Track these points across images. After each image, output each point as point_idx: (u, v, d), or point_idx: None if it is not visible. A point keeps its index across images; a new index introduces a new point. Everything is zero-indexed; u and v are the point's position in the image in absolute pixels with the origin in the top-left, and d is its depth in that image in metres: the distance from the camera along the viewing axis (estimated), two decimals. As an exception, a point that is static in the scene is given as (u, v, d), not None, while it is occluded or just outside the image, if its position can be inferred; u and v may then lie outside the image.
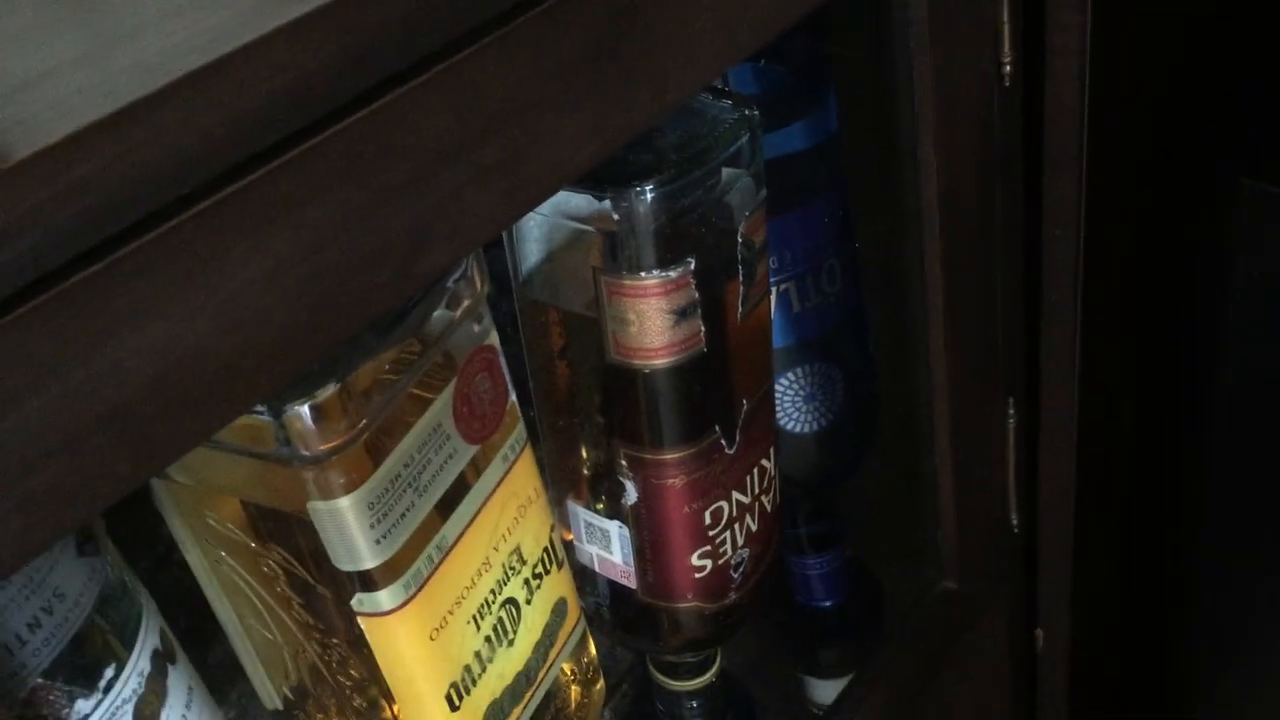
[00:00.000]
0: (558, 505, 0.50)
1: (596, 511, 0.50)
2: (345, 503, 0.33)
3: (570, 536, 0.51)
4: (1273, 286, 0.59)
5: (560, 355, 0.48)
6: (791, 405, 0.56)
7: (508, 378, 0.39)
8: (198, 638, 0.40)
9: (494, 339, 0.38)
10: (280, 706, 0.43)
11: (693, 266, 0.42)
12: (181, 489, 0.37)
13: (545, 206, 0.43)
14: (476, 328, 0.38)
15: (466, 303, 0.37)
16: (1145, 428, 0.71)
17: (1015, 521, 0.67)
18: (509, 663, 0.41)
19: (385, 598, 0.35)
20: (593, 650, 0.48)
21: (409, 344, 0.36)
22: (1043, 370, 0.61)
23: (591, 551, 0.51)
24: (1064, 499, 0.66)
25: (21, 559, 0.25)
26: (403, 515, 0.35)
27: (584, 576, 0.52)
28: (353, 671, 0.39)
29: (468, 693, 0.39)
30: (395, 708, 0.40)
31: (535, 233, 0.44)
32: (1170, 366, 0.69)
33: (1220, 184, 0.58)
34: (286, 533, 0.36)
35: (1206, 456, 0.71)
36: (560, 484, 0.50)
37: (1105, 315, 0.61)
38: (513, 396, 0.40)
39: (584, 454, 0.50)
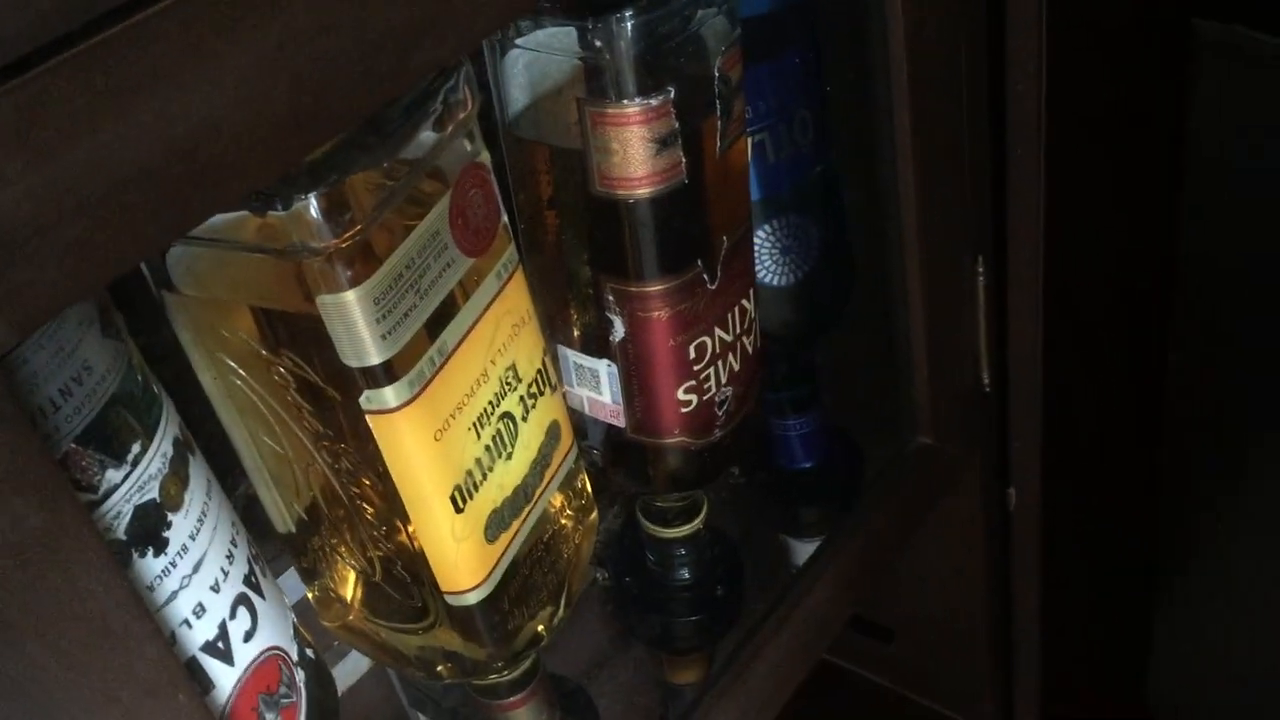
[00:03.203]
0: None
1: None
2: (351, 296, 0.35)
3: (563, 389, 0.54)
4: (1228, 132, 0.61)
5: (549, 205, 0.50)
6: (769, 257, 0.58)
7: (499, 198, 0.41)
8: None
9: (485, 158, 0.40)
10: (293, 529, 0.45)
11: (673, 95, 0.44)
12: (193, 302, 0.39)
13: (530, 41, 0.45)
14: (469, 146, 0.40)
15: (460, 117, 0.38)
16: (1114, 284, 0.74)
17: (987, 381, 0.70)
18: (508, 475, 0.43)
19: (391, 395, 0.37)
20: (586, 484, 0.50)
21: (396, 169, 0.38)
22: (1009, 227, 0.64)
23: (582, 395, 0.53)
24: (1032, 357, 0.69)
25: (57, 305, 0.27)
26: (405, 315, 0.37)
27: (577, 424, 0.54)
28: (365, 480, 0.41)
29: (470, 497, 0.41)
30: (410, 528, 0.42)
31: (523, 73, 0.46)
32: (1138, 220, 0.72)
33: (1178, 29, 0.61)
34: (295, 337, 0.38)
35: (1174, 309, 0.73)
36: (550, 333, 0.53)
37: (1070, 171, 0.63)
38: (504, 217, 0.42)
39: (572, 304, 0.52)
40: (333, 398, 0.39)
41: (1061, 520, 0.76)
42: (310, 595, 0.48)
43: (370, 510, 0.42)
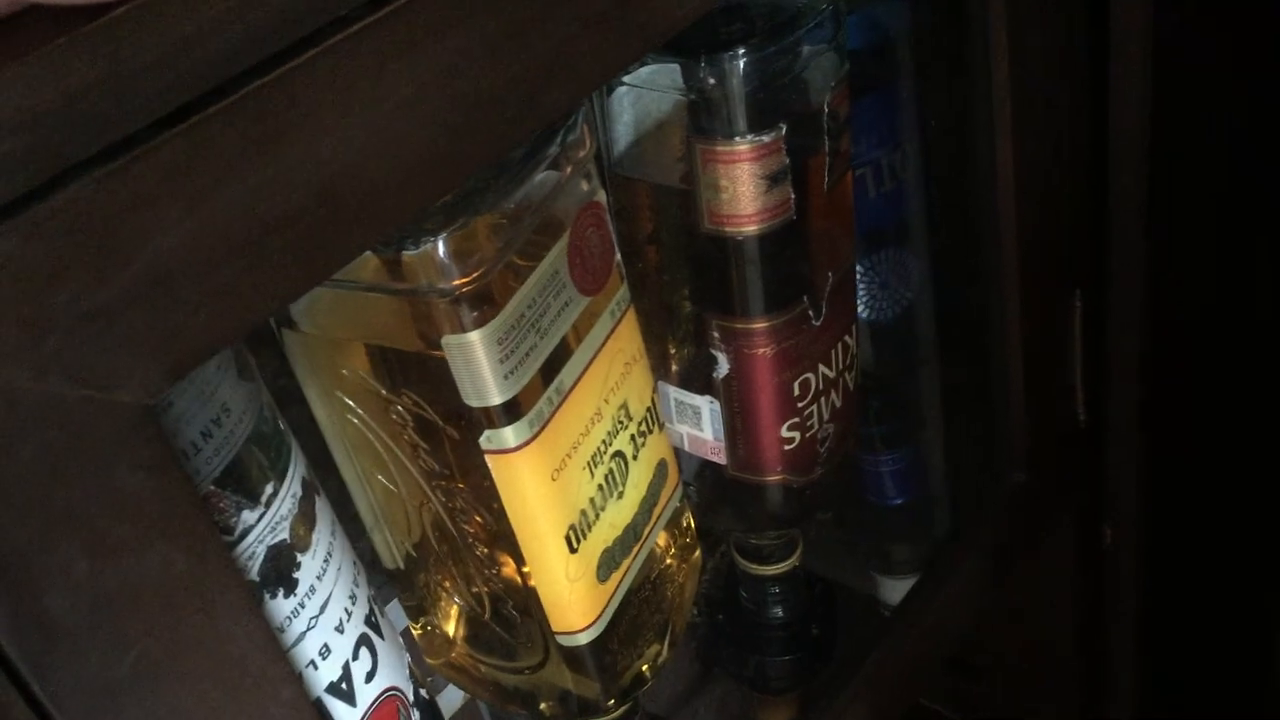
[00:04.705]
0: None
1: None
2: (476, 337, 0.35)
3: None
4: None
5: (650, 239, 0.50)
6: (867, 292, 0.58)
7: (614, 235, 0.41)
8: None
9: (601, 196, 0.40)
10: (401, 566, 0.45)
11: (784, 131, 0.43)
12: (312, 339, 0.39)
13: (637, 79, 0.45)
14: (585, 186, 0.40)
15: (579, 156, 0.38)
16: (1220, 320, 0.72)
17: (1082, 416, 0.68)
18: (619, 514, 0.43)
19: (511, 435, 0.37)
20: (691, 522, 0.50)
21: (517, 210, 0.38)
22: (1110, 259, 0.63)
23: (682, 431, 0.53)
24: (1131, 393, 0.67)
25: (208, 350, 0.27)
26: (527, 354, 0.37)
27: (673, 460, 0.54)
28: (477, 518, 0.41)
29: (584, 537, 0.41)
30: (524, 568, 0.42)
31: (628, 111, 0.46)
32: (1248, 253, 0.70)
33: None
34: (416, 376, 0.38)
35: None
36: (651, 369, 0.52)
37: (1177, 202, 0.62)
38: (618, 255, 0.42)
39: (671, 340, 0.52)
40: (450, 437, 0.39)
41: (1165, 561, 0.74)
42: (415, 632, 0.48)
43: (482, 549, 0.42)
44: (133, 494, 0.27)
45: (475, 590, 0.45)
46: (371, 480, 0.42)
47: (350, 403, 0.40)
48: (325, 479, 0.43)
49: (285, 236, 0.28)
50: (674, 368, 0.52)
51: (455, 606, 0.46)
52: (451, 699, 0.62)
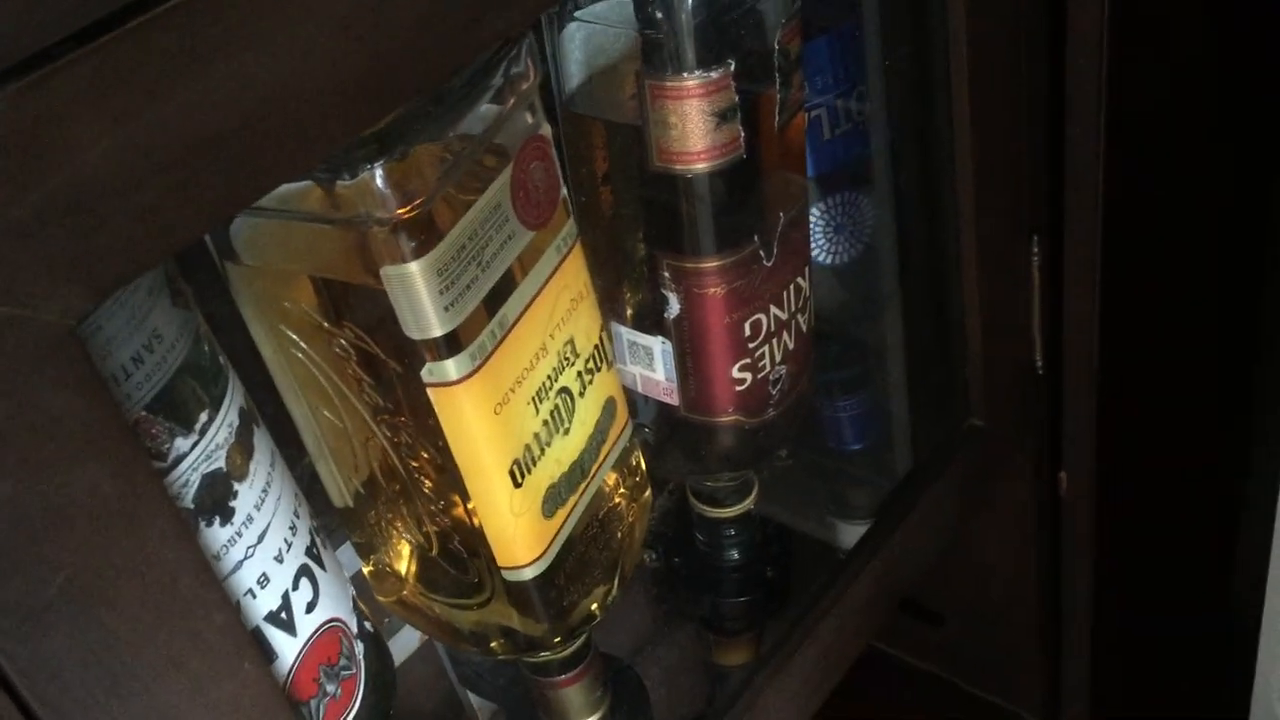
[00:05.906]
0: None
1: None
2: (415, 267, 0.35)
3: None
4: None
5: (604, 179, 0.50)
6: (822, 235, 0.58)
7: (559, 170, 0.41)
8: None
9: (546, 130, 0.40)
10: (350, 503, 0.45)
11: (732, 68, 0.43)
12: (256, 273, 0.39)
13: (587, 14, 0.44)
14: (530, 119, 0.39)
15: (522, 89, 0.38)
16: (1177, 266, 0.73)
17: (1040, 362, 0.69)
18: (565, 450, 0.43)
19: (452, 367, 0.37)
20: (641, 462, 0.50)
21: (458, 142, 0.37)
22: (1066, 206, 0.63)
23: (635, 372, 0.53)
24: (1087, 339, 0.68)
25: (133, 271, 0.27)
26: (468, 286, 0.37)
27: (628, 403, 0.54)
28: (423, 454, 0.41)
29: (529, 471, 0.41)
30: (469, 503, 0.42)
31: (580, 47, 0.46)
32: (1208, 200, 0.70)
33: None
34: (357, 309, 0.38)
35: (1251, 290, 0.71)
36: (603, 311, 0.52)
37: (1132, 149, 0.62)
38: (564, 190, 0.41)
39: (625, 281, 0.52)
40: (394, 371, 0.39)
41: (1122, 506, 0.75)
42: (365, 570, 0.48)
43: (428, 484, 0.42)
44: (57, 414, 0.26)
45: (425, 528, 0.45)
46: (318, 416, 0.42)
47: (294, 337, 0.40)
48: (275, 414, 0.43)
49: (213, 158, 0.28)
50: (628, 309, 0.52)
51: (405, 544, 0.46)
52: (408, 641, 0.63)
